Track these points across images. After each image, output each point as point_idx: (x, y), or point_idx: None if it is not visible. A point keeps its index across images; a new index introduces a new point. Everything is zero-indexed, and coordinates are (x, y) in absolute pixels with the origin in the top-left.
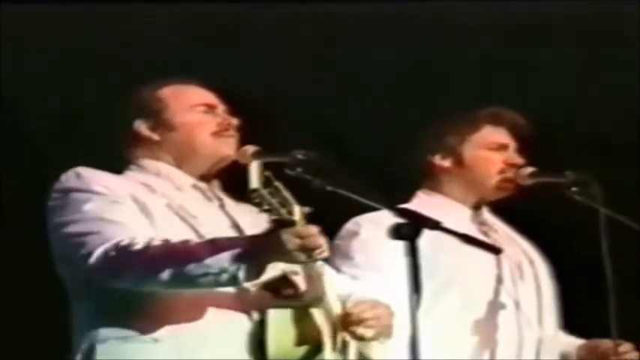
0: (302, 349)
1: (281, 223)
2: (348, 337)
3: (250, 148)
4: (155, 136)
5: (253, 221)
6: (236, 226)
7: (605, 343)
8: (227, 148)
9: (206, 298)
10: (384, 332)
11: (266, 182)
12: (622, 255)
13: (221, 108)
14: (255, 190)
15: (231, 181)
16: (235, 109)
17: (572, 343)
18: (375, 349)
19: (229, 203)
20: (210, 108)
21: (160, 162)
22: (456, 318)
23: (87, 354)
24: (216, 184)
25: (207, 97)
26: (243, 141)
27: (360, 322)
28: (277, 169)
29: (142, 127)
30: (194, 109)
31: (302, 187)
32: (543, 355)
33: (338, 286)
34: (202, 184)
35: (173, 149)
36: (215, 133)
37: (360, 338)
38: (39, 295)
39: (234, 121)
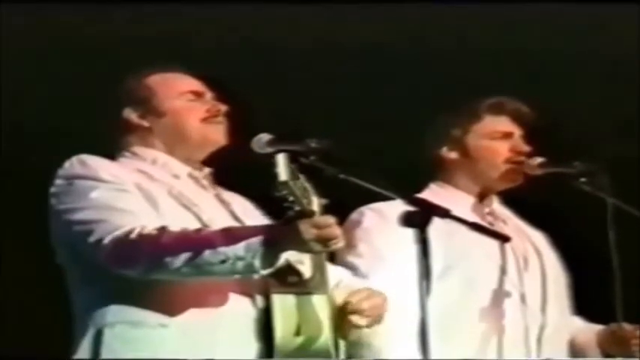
0: (306, 335)
1: (301, 214)
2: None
3: (265, 137)
4: (145, 123)
5: (245, 210)
6: (233, 214)
7: (625, 327)
8: (216, 133)
9: (212, 284)
10: (377, 320)
11: (291, 174)
12: (629, 244)
13: (209, 95)
14: (284, 183)
15: (219, 169)
16: (226, 97)
17: (579, 326)
18: (376, 334)
19: (222, 192)
20: (198, 95)
21: (152, 149)
22: (456, 303)
23: (95, 338)
24: (208, 172)
25: (195, 84)
26: (248, 131)
27: (357, 311)
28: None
29: (131, 114)
30: (182, 96)
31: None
32: (546, 341)
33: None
34: (197, 173)
35: (163, 135)
36: (204, 119)
37: (355, 326)
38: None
39: (223, 108)
